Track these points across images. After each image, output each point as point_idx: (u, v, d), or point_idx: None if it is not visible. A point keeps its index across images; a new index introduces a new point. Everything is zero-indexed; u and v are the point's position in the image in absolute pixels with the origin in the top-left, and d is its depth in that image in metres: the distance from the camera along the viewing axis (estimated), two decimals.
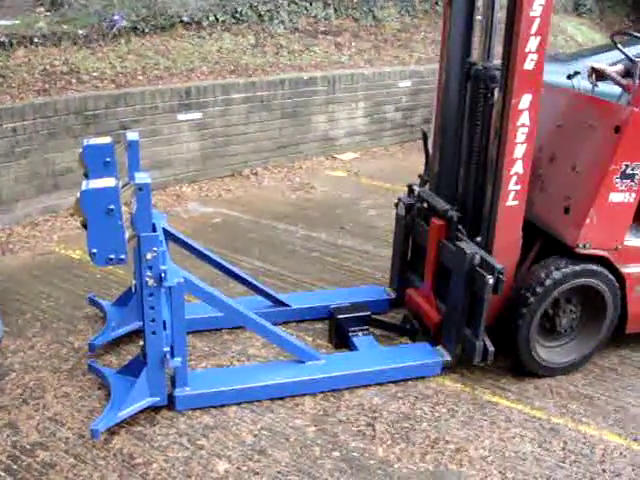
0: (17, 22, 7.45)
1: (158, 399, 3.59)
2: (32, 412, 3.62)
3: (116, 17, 7.71)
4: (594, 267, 3.88)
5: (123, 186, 3.64)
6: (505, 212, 3.76)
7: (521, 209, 3.80)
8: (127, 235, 3.25)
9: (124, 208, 3.26)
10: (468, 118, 4.09)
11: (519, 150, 3.66)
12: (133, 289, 4.07)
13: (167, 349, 3.47)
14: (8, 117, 5.68)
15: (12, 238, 5.69)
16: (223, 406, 3.71)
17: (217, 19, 8.59)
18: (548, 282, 3.80)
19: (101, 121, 6.35)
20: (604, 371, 4.21)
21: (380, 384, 3.96)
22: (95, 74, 6.92)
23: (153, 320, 3.40)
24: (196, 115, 7.11)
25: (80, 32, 7.41)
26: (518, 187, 3.73)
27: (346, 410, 3.75)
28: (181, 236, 4.32)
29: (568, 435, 3.64)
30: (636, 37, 4.40)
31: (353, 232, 6.23)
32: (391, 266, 4.81)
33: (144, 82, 7.05)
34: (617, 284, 3.96)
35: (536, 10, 3.40)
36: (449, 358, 4.04)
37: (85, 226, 3.15)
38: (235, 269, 4.55)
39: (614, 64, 4.62)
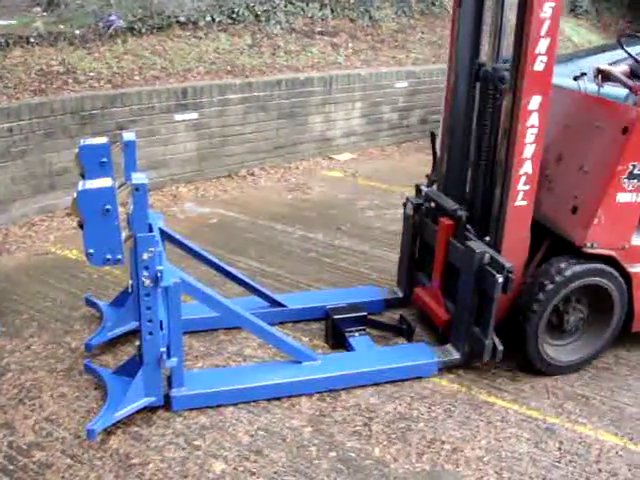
0: (13, 22, 7.44)
1: (154, 399, 3.58)
2: (28, 412, 3.62)
3: (112, 17, 7.71)
4: (601, 266, 3.92)
5: (120, 186, 3.64)
6: (514, 212, 3.81)
7: (530, 209, 3.84)
8: (124, 235, 3.25)
9: (121, 208, 3.26)
10: (477, 119, 4.13)
11: (528, 150, 3.70)
12: (130, 289, 4.07)
13: (163, 349, 3.47)
14: (4, 117, 5.67)
15: (8, 238, 5.68)
16: (219, 406, 3.71)
17: (214, 19, 8.59)
18: (557, 281, 3.84)
19: (97, 121, 6.34)
20: (600, 371, 4.22)
21: (376, 384, 3.97)
22: (92, 74, 6.91)
23: (149, 320, 3.40)
24: (193, 115, 7.11)
25: (77, 32, 7.40)
26: (527, 187, 3.77)
27: (342, 410, 3.76)
28: (177, 236, 4.32)
29: (564, 435, 3.64)
30: None
31: (350, 233, 6.23)
32: (398, 265, 4.84)
33: (141, 82, 7.05)
34: (624, 283, 4.00)
35: (546, 12, 3.43)
36: (458, 357, 4.07)
37: (82, 226, 3.15)
38: (231, 269, 4.55)
39: (612, 64, 4.63)
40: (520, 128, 3.64)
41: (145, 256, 3.27)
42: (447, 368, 4.11)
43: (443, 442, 3.55)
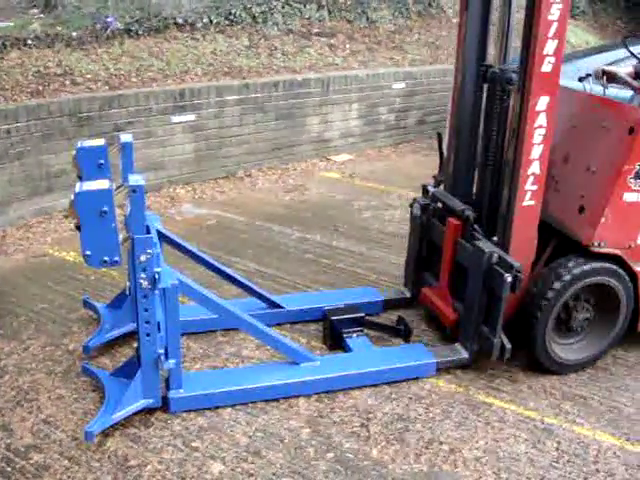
0: (11, 24, 7.44)
1: (152, 401, 3.58)
2: (26, 414, 3.62)
3: (110, 19, 7.71)
4: (608, 265, 3.95)
5: (117, 188, 3.64)
6: (522, 212, 3.84)
7: (537, 209, 3.87)
8: (121, 237, 3.25)
9: (118, 210, 3.26)
10: (484, 119, 4.17)
11: (536, 151, 3.73)
12: (127, 291, 4.07)
13: (161, 351, 3.47)
14: (2, 119, 5.67)
15: (6, 240, 5.68)
16: (217, 408, 3.71)
17: (211, 21, 8.59)
18: (565, 280, 3.87)
19: (95, 123, 6.34)
20: (597, 371, 4.22)
21: (374, 385, 3.97)
22: (89, 76, 6.91)
23: (147, 322, 3.39)
24: (190, 117, 7.12)
25: (74, 34, 7.40)
26: (535, 187, 3.81)
27: (340, 411, 3.76)
28: (175, 238, 4.32)
29: (562, 435, 3.65)
30: None
31: (347, 234, 6.23)
32: (405, 265, 4.87)
33: (138, 84, 7.05)
34: (630, 282, 4.04)
35: (554, 14, 3.47)
36: (466, 355, 4.09)
37: (79, 228, 3.15)
38: (229, 271, 4.55)
39: (609, 64, 4.64)
40: (528, 129, 3.68)
41: (142, 258, 3.27)
42: (455, 367, 4.13)
43: (441, 443, 3.55)
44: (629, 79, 4.33)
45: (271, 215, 6.60)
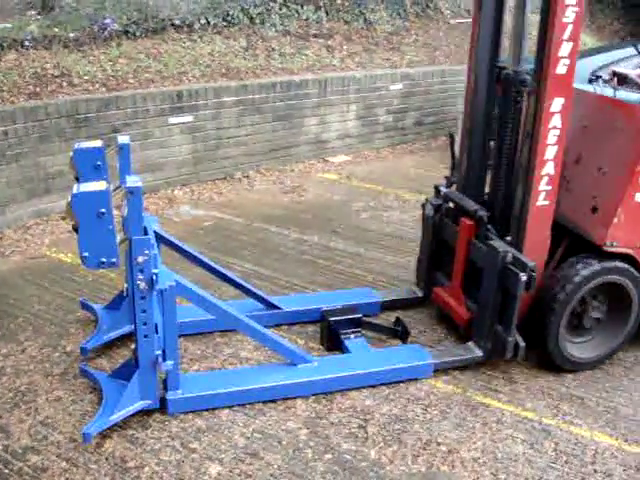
0: (8, 25, 7.43)
1: (150, 402, 3.58)
2: (24, 416, 3.61)
3: (107, 20, 7.70)
4: (621, 265, 4.01)
5: (114, 189, 3.64)
6: (536, 212, 3.89)
7: (551, 209, 3.93)
8: (118, 238, 3.25)
9: (115, 211, 3.26)
10: (498, 120, 4.20)
11: (550, 151, 3.78)
12: (125, 292, 4.07)
13: (159, 352, 3.47)
14: None
15: (3, 242, 5.67)
16: (215, 409, 3.71)
17: (208, 22, 8.59)
18: (577, 279, 3.92)
19: (92, 124, 6.34)
20: (595, 372, 4.23)
21: (372, 386, 3.97)
22: (86, 77, 6.91)
23: (145, 323, 3.39)
24: (188, 118, 7.11)
25: (71, 35, 7.39)
26: (549, 187, 3.86)
27: (338, 412, 3.76)
28: (173, 239, 4.31)
29: (559, 436, 3.65)
30: None
31: (345, 235, 6.24)
32: (417, 265, 4.91)
33: (135, 85, 7.04)
34: None
35: (569, 17, 3.52)
36: (480, 354, 4.12)
37: (76, 229, 3.15)
38: (227, 272, 4.55)
39: (608, 65, 4.66)
40: (543, 130, 3.72)
41: (140, 259, 3.27)
42: (469, 365, 4.17)
43: (439, 444, 3.55)
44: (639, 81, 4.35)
45: (269, 216, 6.60)
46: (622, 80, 4.45)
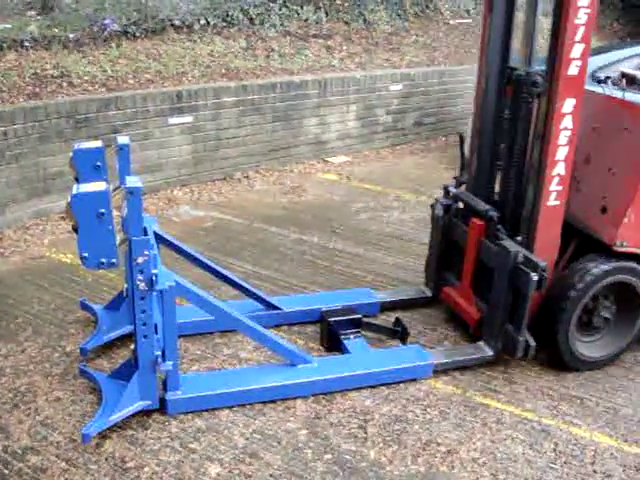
0: (8, 25, 7.44)
1: (150, 403, 3.58)
2: (23, 416, 3.61)
3: (107, 21, 7.71)
4: (630, 264, 4.03)
5: (114, 190, 3.64)
6: (547, 212, 3.92)
7: (562, 209, 3.95)
8: (118, 239, 3.25)
9: (115, 212, 3.26)
10: (508, 121, 4.20)
11: (561, 152, 3.81)
12: (124, 293, 4.07)
13: (158, 353, 3.47)
14: None
15: (3, 242, 5.67)
16: (215, 409, 3.71)
17: (208, 23, 8.59)
18: (589, 278, 3.94)
19: (92, 125, 6.33)
20: (594, 372, 4.23)
21: (372, 387, 3.97)
22: (86, 78, 6.91)
23: (144, 324, 3.39)
24: (187, 119, 7.11)
25: (71, 36, 7.40)
26: (560, 188, 3.89)
27: (338, 413, 3.76)
28: (172, 240, 4.31)
29: (559, 436, 3.65)
30: None
31: (344, 235, 6.23)
32: (427, 265, 4.92)
33: (135, 86, 7.05)
34: None
35: (581, 18, 3.54)
36: (491, 353, 4.14)
37: (76, 230, 3.15)
38: (226, 272, 4.55)
39: (608, 66, 4.66)
40: (554, 130, 3.74)
41: (140, 260, 3.27)
42: (481, 364, 4.18)
43: (438, 444, 3.55)
44: None
45: (268, 217, 6.60)
46: (631, 81, 4.47)
